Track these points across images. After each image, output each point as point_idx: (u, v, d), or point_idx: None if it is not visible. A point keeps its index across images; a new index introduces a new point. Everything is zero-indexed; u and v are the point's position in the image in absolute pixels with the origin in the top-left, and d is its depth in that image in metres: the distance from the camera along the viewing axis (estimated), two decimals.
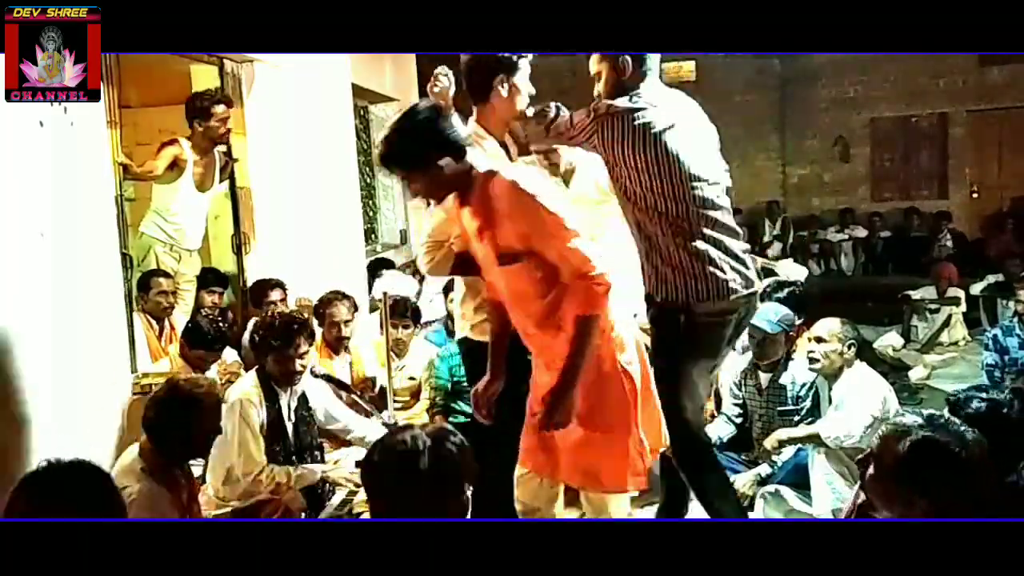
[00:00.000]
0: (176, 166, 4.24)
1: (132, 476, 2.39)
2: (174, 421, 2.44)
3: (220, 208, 4.70)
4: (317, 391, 3.40)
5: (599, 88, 2.61)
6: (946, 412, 2.04)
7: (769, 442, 3.49)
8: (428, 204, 2.36)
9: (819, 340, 3.43)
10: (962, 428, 1.72)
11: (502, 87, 2.58)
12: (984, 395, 2.25)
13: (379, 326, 4.63)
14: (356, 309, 4.32)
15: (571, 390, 2.23)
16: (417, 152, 2.20)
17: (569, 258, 2.17)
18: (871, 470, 1.79)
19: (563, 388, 2.23)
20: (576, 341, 2.21)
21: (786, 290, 3.96)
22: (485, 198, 2.23)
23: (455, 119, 2.26)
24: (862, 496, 2.23)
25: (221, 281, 4.49)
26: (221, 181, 4.53)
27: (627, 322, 2.47)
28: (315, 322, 4.14)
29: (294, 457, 3.17)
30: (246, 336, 3.95)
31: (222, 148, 4.47)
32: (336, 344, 4.16)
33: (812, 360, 3.46)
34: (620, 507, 2.47)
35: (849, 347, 3.39)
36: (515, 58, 2.58)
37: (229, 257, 4.74)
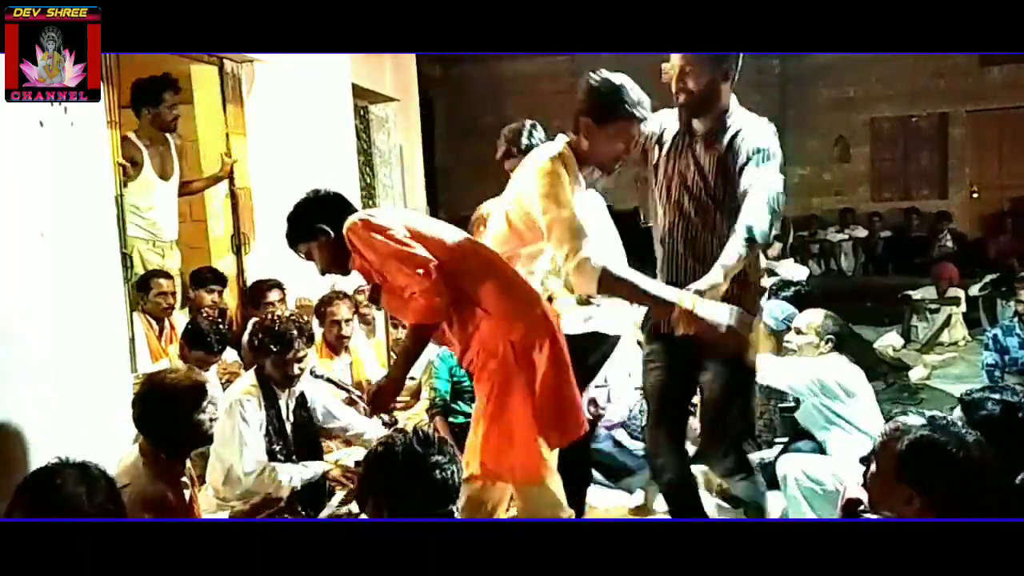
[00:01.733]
0: (134, 162, 4.18)
1: (133, 474, 2.39)
2: (158, 415, 2.44)
3: (219, 208, 4.70)
4: (316, 390, 3.40)
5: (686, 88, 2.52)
6: (954, 413, 2.04)
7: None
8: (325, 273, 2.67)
9: (797, 332, 3.44)
10: (963, 430, 1.72)
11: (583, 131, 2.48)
12: (998, 396, 2.24)
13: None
14: (357, 308, 4.32)
15: (390, 382, 2.50)
16: (311, 227, 2.57)
17: (398, 281, 2.40)
18: (872, 468, 1.80)
19: (385, 379, 2.52)
20: (403, 343, 2.53)
21: (791, 289, 3.97)
22: (349, 242, 2.48)
23: (345, 198, 2.63)
24: (849, 491, 2.24)
25: (219, 280, 4.48)
26: (222, 174, 4.51)
27: (496, 330, 2.49)
28: (315, 322, 4.14)
29: (294, 456, 3.17)
30: (245, 337, 3.94)
31: (175, 135, 4.39)
32: (337, 344, 4.16)
33: (788, 351, 3.45)
34: (544, 499, 2.50)
35: (826, 342, 3.37)
36: (626, 106, 2.42)
37: (229, 257, 4.74)
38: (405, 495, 1.74)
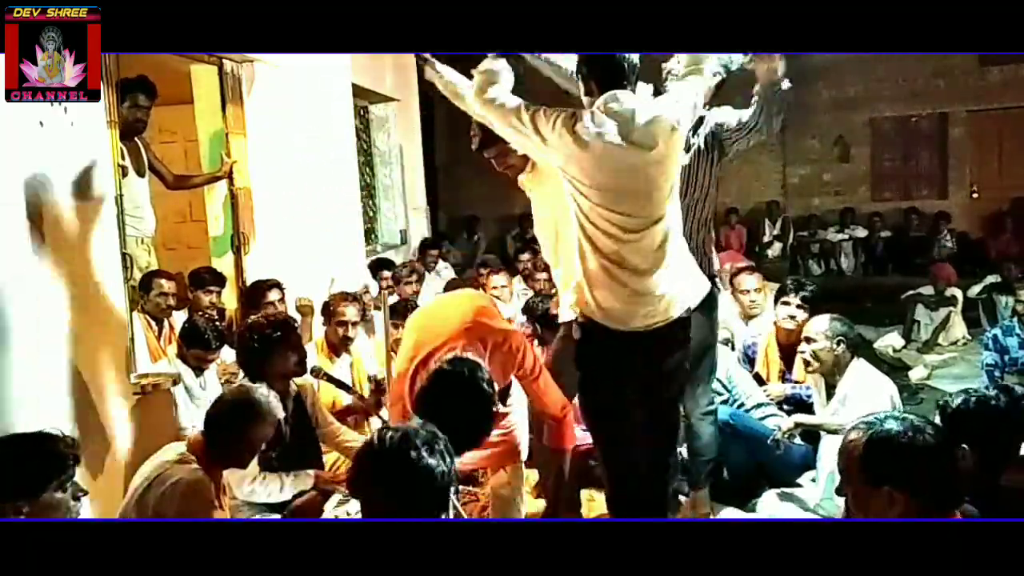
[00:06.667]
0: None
1: (187, 466, 2.46)
2: (236, 424, 2.53)
3: (219, 208, 4.69)
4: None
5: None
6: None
7: (786, 424, 3.44)
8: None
9: (808, 340, 3.43)
10: (912, 418, 1.74)
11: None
12: (981, 394, 2.25)
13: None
14: (365, 312, 4.30)
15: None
16: None
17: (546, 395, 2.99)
18: (846, 490, 1.79)
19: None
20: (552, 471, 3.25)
21: (808, 289, 3.98)
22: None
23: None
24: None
25: (218, 280, 4.48)
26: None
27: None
28: (320, 320, 4.13)
29: (292, 462, 3.14)
30: (237, 343, 3.93)
31: (140, 138, 4.35)
32: (340, 344, 4.15)
33: (806, 363, 3.45)
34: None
35: (838, 343, 3.36)
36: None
37: (229, 257, 4.73)
38: (394, 500, 1.74)
